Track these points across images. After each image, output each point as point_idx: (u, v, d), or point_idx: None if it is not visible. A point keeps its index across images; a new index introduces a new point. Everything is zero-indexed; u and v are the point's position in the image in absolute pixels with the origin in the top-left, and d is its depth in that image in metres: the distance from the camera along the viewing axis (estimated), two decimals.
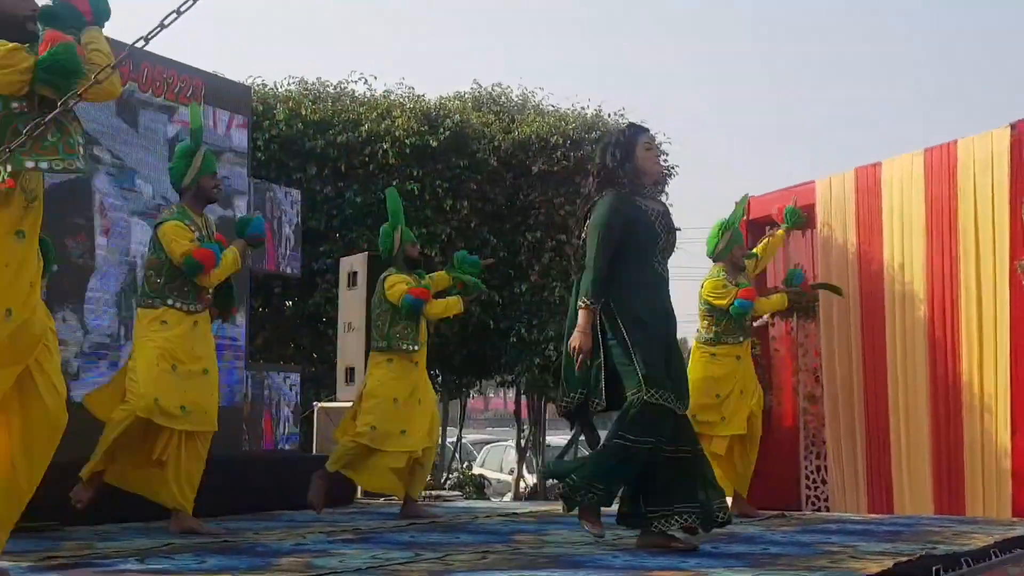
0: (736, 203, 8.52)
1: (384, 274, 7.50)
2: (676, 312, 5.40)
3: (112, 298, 7.77)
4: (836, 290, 8.95)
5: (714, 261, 7.98)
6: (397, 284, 7.32)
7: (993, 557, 5.14)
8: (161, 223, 6.03)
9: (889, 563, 4.52)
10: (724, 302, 7.71)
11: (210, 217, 6.37)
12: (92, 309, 7.60)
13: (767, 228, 11.16)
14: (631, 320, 5.09)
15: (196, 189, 6.17)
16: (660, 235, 5.23)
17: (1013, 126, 8.97)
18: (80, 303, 7.53)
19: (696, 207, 21.08)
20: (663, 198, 5.61)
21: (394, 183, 12.82)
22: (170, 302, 5.97)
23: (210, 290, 6.14)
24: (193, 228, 6.04)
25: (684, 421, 5.25)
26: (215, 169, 6.30)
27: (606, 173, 5.30)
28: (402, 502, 7.44)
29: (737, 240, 8.09)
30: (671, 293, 5.37)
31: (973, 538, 5.69)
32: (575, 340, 5.10)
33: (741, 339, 7.87)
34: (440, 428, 7.66)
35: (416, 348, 7.36)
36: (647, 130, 5.39)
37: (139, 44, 3.70)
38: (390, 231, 7.52)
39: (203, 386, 6.03)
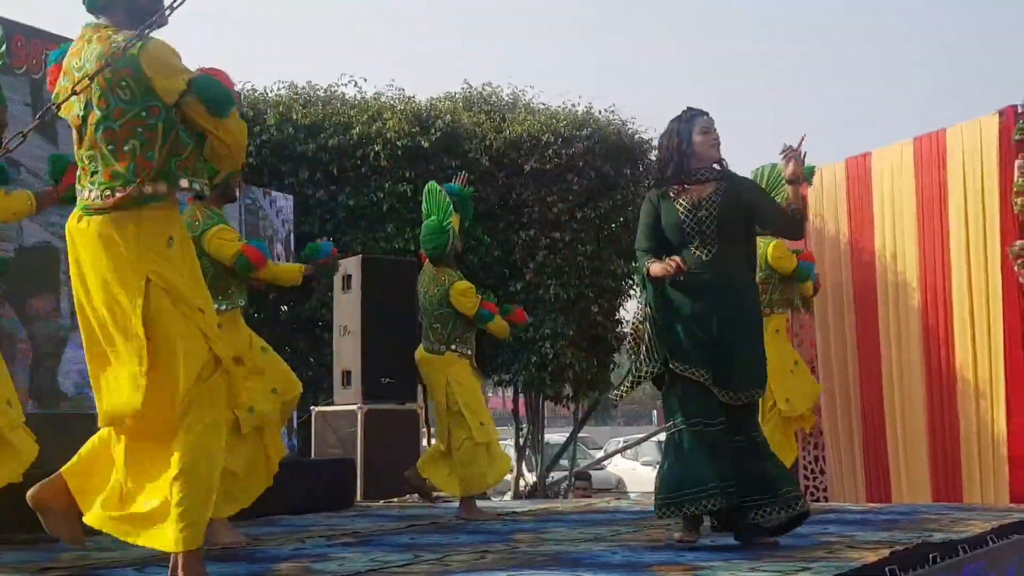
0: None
1: (448, 278, 7.25)
2: None
3: None
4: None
5: None
6: (470, 293, 7.25)
7: (990, 543, 5.16)
8: (205, 232, 5.91)
9: (886, 552, 4.54)
10: (790, 264, 7.71)
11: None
12: None
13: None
14: (658, 305, 5.17)
15: (223, 188, 6.11)
16: (685, 223, 5.18)
17: (1001, 113, 8.99)
18: None
19: None
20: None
21: (386, 185, 12.85)
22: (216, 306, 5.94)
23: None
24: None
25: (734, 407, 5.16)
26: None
27: (659, 164, 5.45)
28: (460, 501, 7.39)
29: None
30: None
31: (970, 525, 5.71)
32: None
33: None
34: None
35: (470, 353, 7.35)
36: (704, 113, 5.32)
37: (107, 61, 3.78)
38: (442, 228, 7.28)
39: (264, 383, 6.05)
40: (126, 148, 3.89)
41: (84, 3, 4.09)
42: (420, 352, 7.40)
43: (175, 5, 3.92)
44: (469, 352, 7.34)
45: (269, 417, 6.01)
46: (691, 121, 5.27)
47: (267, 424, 6.02)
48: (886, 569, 4.16)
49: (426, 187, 7.61)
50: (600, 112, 14.49)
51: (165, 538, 3.91)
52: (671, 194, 5.25)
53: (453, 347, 7.23)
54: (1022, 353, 8.76)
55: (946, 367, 9.29)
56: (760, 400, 5.61)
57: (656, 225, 5.27)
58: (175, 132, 3.94)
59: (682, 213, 5.18)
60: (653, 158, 12.84)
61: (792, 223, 5.23)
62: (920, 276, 9.57)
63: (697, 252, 5.16)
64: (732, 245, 5.21)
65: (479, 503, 7.39)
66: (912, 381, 9.54)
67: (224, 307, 5.89)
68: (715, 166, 5.27)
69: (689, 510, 5.00)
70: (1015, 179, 8.81)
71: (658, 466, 5.33)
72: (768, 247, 7.69)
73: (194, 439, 3.88)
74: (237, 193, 6.37)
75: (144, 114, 3.90)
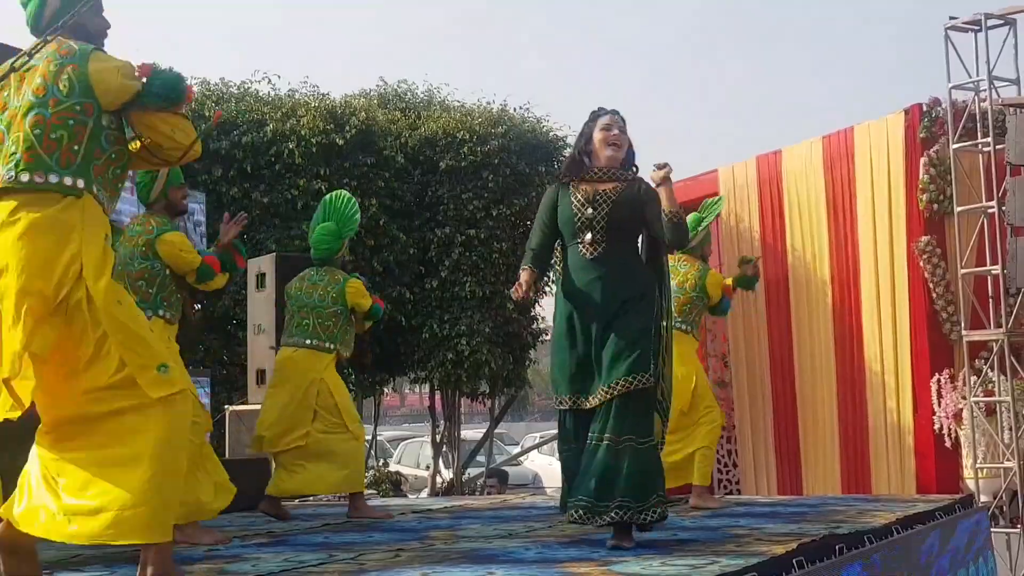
0: (711, 201, 8.32)
1: (341, 276, 7.29)
2: None
3: None
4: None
5: (680, 251, 7.56)
6: (364, 289, 7.27)
7: (895, 534, 5.28)
8: (159, 235, 5.88)
9: (793, 544, 4.62)
10: (717, 295, 7.77)
11: None
12: None
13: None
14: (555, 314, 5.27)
15: (166, 202, 6.10)
16: (576, 218, 5.12)
17: (907, 111, 9.17)
18: None
19: None
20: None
21: (301, 183, 12.78)
22: (161, 312, 5.88)
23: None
24: None
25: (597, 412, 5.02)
26: (183, 180, 6.23)
27: (568, 160, 5.42)
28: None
29: (708, 239, 8.10)
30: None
31: (876, 516, 5.83)
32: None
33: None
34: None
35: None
36: (609, 112, 5.29)
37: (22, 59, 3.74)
38: (337, 232, 7.37)
39: None
40: (52, 136, 3.86)
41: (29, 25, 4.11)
42: (290, 352, 7.28)
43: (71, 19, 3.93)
44: (347, 353, 7.32)
45: None
46: (594, 119, 5.28)
47: None
48: (793, 561, 4.24)
49: (337, 194, 7.62)
50: (515, 109, 14.57)
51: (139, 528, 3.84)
52: (570, 187, 5.22)
53: (339, 345, 7.21)
54: (927, 347, 8.95)
55: (855, 361, 9.46)
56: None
57: (550, 220, 5.23)
58: (100, 137, 3.94)
59: (575, 206, 5.14)
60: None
61: (673, 228, 5.07)
62: (830, 272, 9.73)
63: (587, 248, 5.11)
64: (621, 243, 5.15)
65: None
66: (822, 375, 9.70)
67: (169, 315, 5.89)
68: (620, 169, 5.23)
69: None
70: (920, 176, 8.99)
71: None
72: (708, 274, 7.74)
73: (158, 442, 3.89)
74: (184, 206, 6.31)
75: (78, 108, 3.89)
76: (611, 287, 5.07)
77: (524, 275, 5.15)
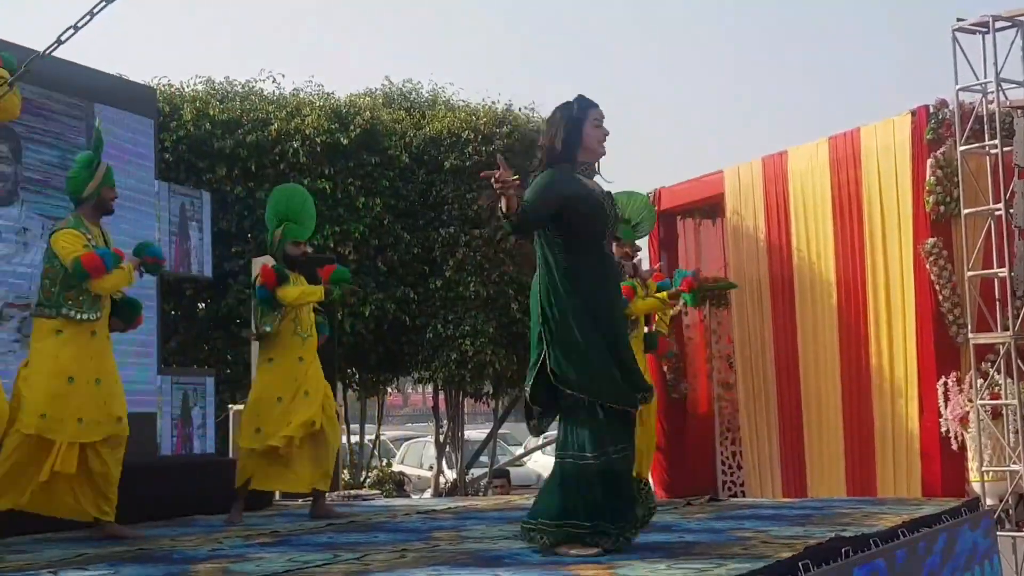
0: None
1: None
2: None
3: None
4: (730, 286, 8.87)
5: None
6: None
7: (901, 537, 5.26)
8: (55, 231, 5.95)
9: (800, 547, 4.60)
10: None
11: (106, 230, 6.27)
12: None
13: (678, 218, 11.29)
14: (561, 314, 4.76)
15: (96, 200, 6.08)
16: (611, 217, 4.97)
17: (913, 113, 9.16)
18: None
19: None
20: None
21: (305, 182, 12.76)
22: (65, 311, 5.86)
23: (110, 298, 6.07)
24: (89, 237, 5.95)
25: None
26: (114, 182, 6.22)
27: (550, 149, 4.95)
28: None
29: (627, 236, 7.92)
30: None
31: (882, 519, 5.81)
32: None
33: None
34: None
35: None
36: (595, 105, 5.00)
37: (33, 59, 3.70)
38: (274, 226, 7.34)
39: (97, 396, 5.91)
40: None
41: None
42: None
43: (85, 21, 3.88)
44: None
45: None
46: (584, 110, 4.96)
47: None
48: (800, 564, 4.22)
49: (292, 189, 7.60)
50: (520, 109, 14.53)
51: None
52: (582, 179, 4.93)
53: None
54: (933, 349, 8.94)
55: (860, 363, 9.45)
56: None
57: (564, 201, 4.80)
58: None
59: (602, 200, 4.92)
60: None
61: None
62: (836, 273, 9.72)
63: (606, 244, 4.99)
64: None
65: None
66: (828, 377, 9.69)
67: (78, 314, 5.84)
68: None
69: None
70: (927, 178, 8.97)
71: None
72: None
73: None
74: (112, 207, 6.27)
75: None
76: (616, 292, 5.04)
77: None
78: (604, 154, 5.03)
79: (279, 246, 7.29)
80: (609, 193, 5.05)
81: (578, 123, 4.94)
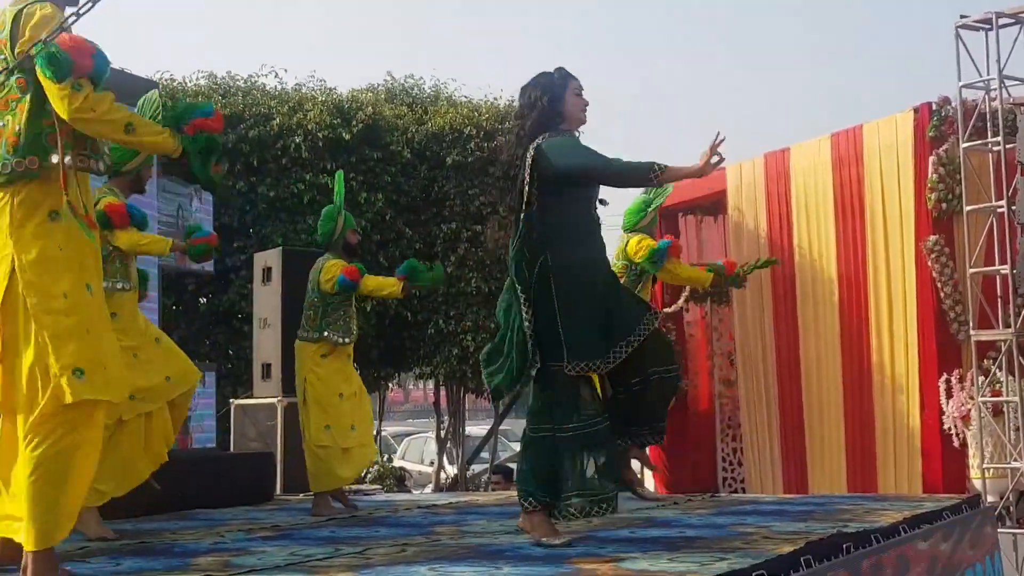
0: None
1: (323, 261, 7.24)
2: None
3: None
4: (770, 262, 8.79)
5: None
6: (333, 270, 7.13)
7: (902, 533, 5.25)
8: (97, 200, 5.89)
9: (801, 542, 4.60)
10: (644, 256, 7.61)
11: None
12: None
13: (680, 215, 11.28)
14: (566, 280, 4.71)
15: (135, 176, 6.15)
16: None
17: (916, 110, 9.15)
18: None
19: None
20: None
21: (307, 177, 12.77)
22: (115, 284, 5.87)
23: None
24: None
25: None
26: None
27: (540, 114, 4.85)
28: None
29: (655, 222, 8.04)
30: None
31: (883, 515, 5.81)
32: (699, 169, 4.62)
33: None
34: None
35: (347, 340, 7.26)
36: (576, 77, 4.97)
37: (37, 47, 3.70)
38: (333, 214, 7.32)
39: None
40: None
41: None
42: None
43: (87, 7, 3.86)
44: (344, 340, 7.24)
45: (155, 404, 5.89)
46: (565, 80, 4.93)
47: (155, 411, 5.91)
48: (801, 559, 4.22)
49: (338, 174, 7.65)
50: None
51: (25, 534, 3.78)
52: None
53: (326, 333, 7.16)
54: (935, 347, 8.93)
55: (862, 360, 9.44)
56: None
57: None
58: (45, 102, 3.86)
59: None
60: None
61: None
62: (838, 270, 9.71)
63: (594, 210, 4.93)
64: None
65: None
66: (829, 374, 9.68)
67: (122, 286, 5.84)
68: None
69: None
70: (929, 175, 8.96)
71: None
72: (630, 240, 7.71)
73: (46, 448, 3.76)
74: (145, 187, 6.31)
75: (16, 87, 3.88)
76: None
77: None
78: (585, 122, 5.00)
79: (340, 235, 7.28)
80: None
81: (560, 91, 4.90)
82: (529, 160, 4.80)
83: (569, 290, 4.70)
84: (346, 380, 7.26)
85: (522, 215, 4.81)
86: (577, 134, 5.07)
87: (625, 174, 4.79)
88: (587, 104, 4.98)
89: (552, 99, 4.88)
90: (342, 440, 7.10)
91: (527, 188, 4.79)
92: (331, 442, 7.07)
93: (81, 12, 3.80)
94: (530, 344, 4.69)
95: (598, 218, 4.94)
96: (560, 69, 4.99)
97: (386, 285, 7.32)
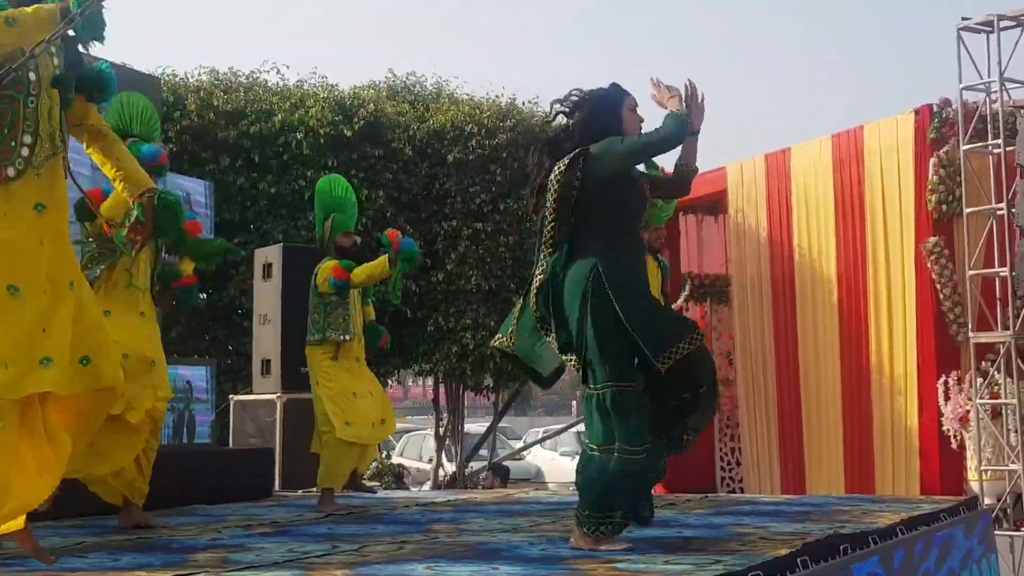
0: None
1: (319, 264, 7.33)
2: None
3: None
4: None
5: None
6: (324, 271, 7.21)
7: (899, 535, 5.26)
8: None
9: (798, 544, 4.61)
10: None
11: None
12: None
13: (680, 214, 11.29)
14: (617, 290, 4.58)
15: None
16: (645, 202, 4.87)
17: (917, 111, 9.16)
18: None
19: None
20: None
21: (308, 173, 12.77)
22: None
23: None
24: None
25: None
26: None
27: (590, 131, 4.78)
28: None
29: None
30: None
31: (880, 517, 5.81)
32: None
33: None
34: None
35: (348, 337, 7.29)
36: (629, 93, 4.89)
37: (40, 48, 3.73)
38: (320, 221, 7.41)
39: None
40: None
41: None
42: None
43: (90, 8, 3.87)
44: (345, 337, 7.27)
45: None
46: (621, 97, 4.85)
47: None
48: (798, 560, 4.22)
49: (334, 180, 7.65)
50: (524, 103, 14.53)
51: None
52: None
53: (328, 333, 7.20)
54: (934, 348, 8.95)
55: (861, 361, 9.46)
56: None
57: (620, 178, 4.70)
58: None
59: (643, 185, 4.85)
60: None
61: None
62: (837, 271, 9.72)
63: (639, 230, 4.87)
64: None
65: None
66: (827, 374, 9.70)
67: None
68: None
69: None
70: (930, 177, 8.97)
71: None
72: None
73: None
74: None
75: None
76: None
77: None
78: None
79: (330, 239, 7.35)
80: (646, 175, 4.95)
81: (616, 109, 4.83)
82: (578, 169, 4.70)
83: (625, 295, 4.59)
84: (356, 379, 7.29)
85: (560, 229, 4.74)
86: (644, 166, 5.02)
87: (673, 134, 4.68)
88: (643, 121, 4.87)
89: (608, 117, 4.80)
90: (365, 436, 7.16)
91: (572, 197, 4.69)
92: (353, 437, 7.11)
93: (85, 12, 3.80)
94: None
95: (640, 237, 4.89)
96: (615, 85, 4.91)
97: (375, 267, 7.32)
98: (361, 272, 7.27)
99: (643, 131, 4.81)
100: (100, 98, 4.30)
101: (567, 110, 4.96)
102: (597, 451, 4.58)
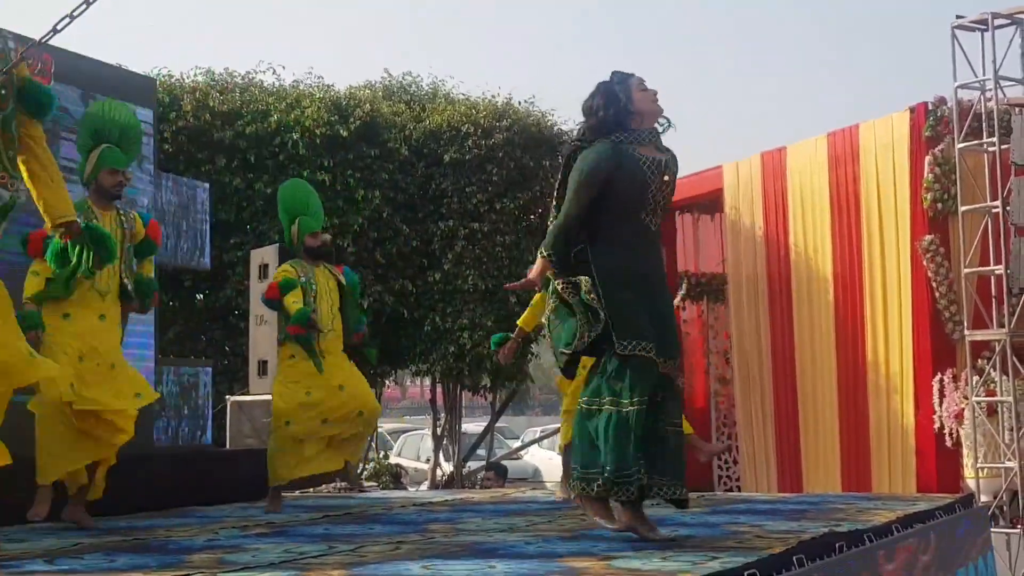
0: None
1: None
2: None
3: None
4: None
5: None
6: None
7: (895, 532, 5.27)
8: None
9: (794, 542, 4.61)
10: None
11: (129, 212, 6.21)
12: None
13: (676, 213, 11.30)
14: (606, 278, 4.65)
15: (95, 185, 6.04)
16: (650, 185, 4.71)
17: (912, 109, 9.17)
18: None
19: None
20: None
21: (304, 174, 12.77)
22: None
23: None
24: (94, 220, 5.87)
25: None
26: (118, 164, 6.12)
27: (600, 120, 4.76)
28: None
29: None
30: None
31: (876, 515, 5.82)
32: (527, 279, 4.76)
33: None
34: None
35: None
36: (632, 73, 4.86)
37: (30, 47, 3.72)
38: (287, 224, 7.38)
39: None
40: None
41: None
42: None
43: (81, 9, 3.88)
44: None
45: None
46: (625, 81, 4.82)
47: None
48: (793, 559, 4.23)
49: (295, 184, 7.65)
50: (520, 103, 14.52)
51: None
52: (633, 151, 4.71)
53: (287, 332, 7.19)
54: (930, 346, 8.96)
55: (857, 359, 9.47)
56: None
57: (605, 181, 4.66)
58: None
59: (649, 172, 4.72)
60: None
61: None
62: (833, 269, 9.73)
63: (651, 219, 4.78)
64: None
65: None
66: (824, 373, 9.71)
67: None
68: (657, 126, 4.84)
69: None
70: (925, 175, 8.98)
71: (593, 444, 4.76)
72: None
73: None
74: (118, 191, 6.22)
75: None
76: (662, 264, 4.95)
77: (538, 265, 4.70)
78: (661, 111, 4.83)
79: (299, 241, 7.33)
80: (668, 160, 4.83)
81: (625, 93, 4.78)
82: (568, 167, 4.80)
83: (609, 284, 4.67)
84: (312, 377, 7.16)
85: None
86: (659, 126, 4.89)
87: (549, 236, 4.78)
88: (656, 93, 4.82)
89: (621, 103, 4.77)
90: (303, 432, 7.08)
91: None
92: (290, 436, 7.06)
93: (75, 15, 3.81)
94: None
95: (651, 231, 4.83)
96: (616, 72, 4.90)
97: (292, 308, 7.05)
98: (289, 301, 7.01)
99: (656, 103, 4.81)
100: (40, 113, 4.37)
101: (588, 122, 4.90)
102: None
